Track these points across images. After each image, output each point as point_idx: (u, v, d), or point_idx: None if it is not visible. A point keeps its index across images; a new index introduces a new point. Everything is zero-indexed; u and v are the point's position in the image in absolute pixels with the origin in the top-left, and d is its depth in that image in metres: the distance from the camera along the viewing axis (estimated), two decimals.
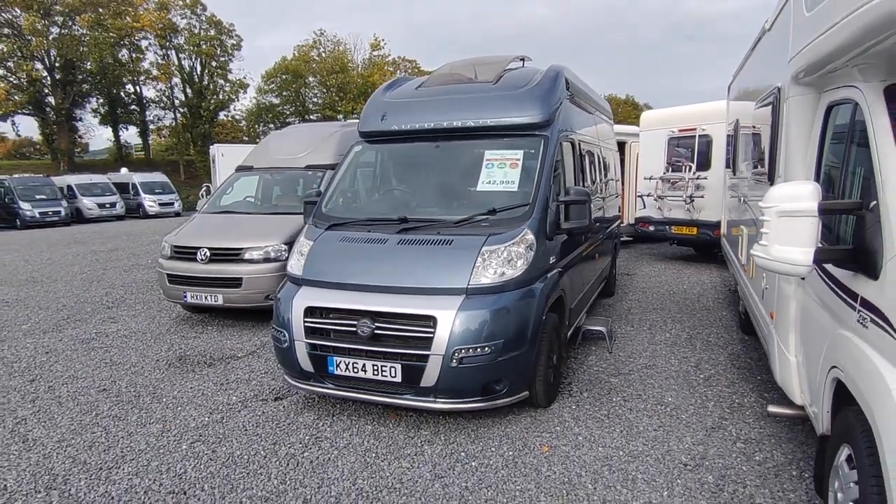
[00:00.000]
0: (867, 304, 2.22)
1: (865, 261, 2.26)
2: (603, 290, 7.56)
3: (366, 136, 5.07)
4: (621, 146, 12.44)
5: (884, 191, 2.21)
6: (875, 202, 2.26)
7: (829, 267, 2.67)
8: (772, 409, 3.44)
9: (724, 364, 5.04)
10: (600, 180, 6.71)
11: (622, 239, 12.58)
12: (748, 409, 4.07)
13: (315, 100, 48.73)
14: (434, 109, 4.76)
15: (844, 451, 2.32)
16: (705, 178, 9.79)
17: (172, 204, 27.65)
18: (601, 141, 6.90)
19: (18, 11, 36.09)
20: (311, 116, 46.63)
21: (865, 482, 2.05)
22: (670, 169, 10.47)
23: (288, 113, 47.91)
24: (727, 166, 7.78)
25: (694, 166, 10.03)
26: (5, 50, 36.50)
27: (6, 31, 36.24)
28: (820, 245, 2.39)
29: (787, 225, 2.36)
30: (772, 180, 3.87)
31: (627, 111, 51.97)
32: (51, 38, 37.26)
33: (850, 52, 2.43)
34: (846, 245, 2.50)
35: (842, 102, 2.84)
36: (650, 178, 10.71)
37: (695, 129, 10.12)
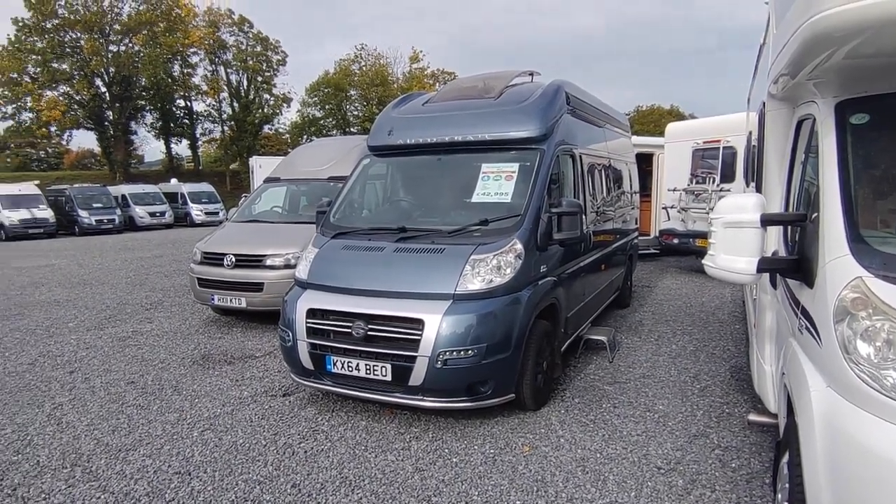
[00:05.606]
0: (805, 312, 2.31)
1: (805, 270, 2.36)
2: (617, 301, 7.60)
3: (374, 150, 5.37)
4: (649, 157, 12.41)
5: (823, 203, 2.32)
6: (816, 214, 2.36)
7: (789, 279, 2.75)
8: (751, 417, 3.48)
9: (724, 376, 5.04)
10: (610, 193, 6.79)
11: (650, 251, 12.50)
12: (736, 419, 4.10)
13: (356, 112, 50.07)
14: (437, 124, 5.02)
15: (786, 456, 2.40)
16: (728, 191, 9.66)
17: (218, 213, 28.97)
18: (612, 153, 6.99)
19: (79, 33, 38.90)
20: (352, 129, 47.91)
21: (793, 480, 2.14)
22: (694, 181, 10.39)
23: (330, 126, 49.40)
24: (744, 178, 7.70)
25: (718, 178, 9.93)
26: (68, 69, 39.32)
27: (67, 50, 39.08)
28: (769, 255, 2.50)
29: (732, 235, 2.48)
30: (760, 192, 3.92)
31: (671, 122, 50.92)
32: (109, 56, 39.95)
33: (802, 68, 2.54)
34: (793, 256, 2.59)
35: (806, 118, 2.92)
36: (674, 190, 10.64)
37: (719, 140, 10.03)
